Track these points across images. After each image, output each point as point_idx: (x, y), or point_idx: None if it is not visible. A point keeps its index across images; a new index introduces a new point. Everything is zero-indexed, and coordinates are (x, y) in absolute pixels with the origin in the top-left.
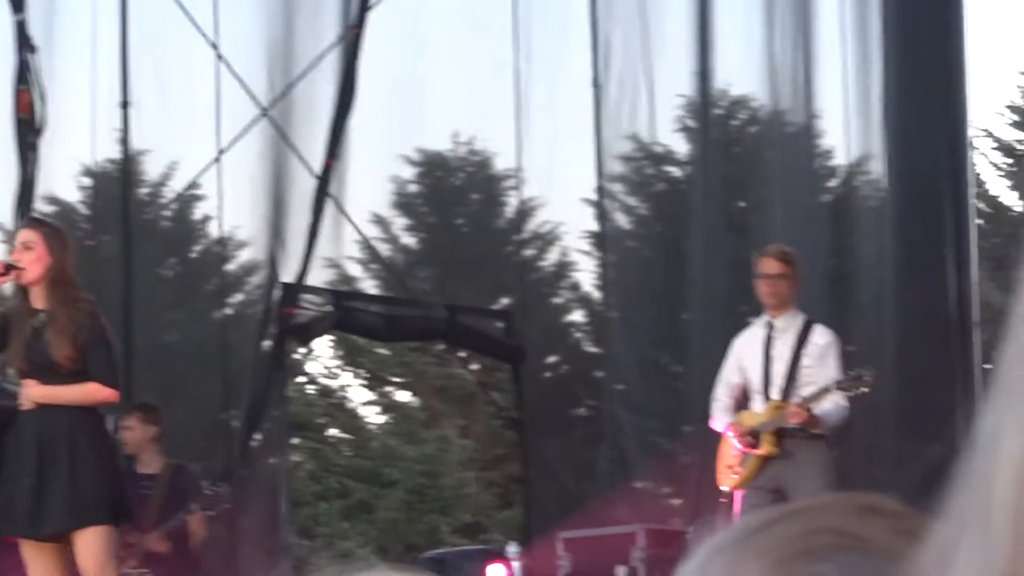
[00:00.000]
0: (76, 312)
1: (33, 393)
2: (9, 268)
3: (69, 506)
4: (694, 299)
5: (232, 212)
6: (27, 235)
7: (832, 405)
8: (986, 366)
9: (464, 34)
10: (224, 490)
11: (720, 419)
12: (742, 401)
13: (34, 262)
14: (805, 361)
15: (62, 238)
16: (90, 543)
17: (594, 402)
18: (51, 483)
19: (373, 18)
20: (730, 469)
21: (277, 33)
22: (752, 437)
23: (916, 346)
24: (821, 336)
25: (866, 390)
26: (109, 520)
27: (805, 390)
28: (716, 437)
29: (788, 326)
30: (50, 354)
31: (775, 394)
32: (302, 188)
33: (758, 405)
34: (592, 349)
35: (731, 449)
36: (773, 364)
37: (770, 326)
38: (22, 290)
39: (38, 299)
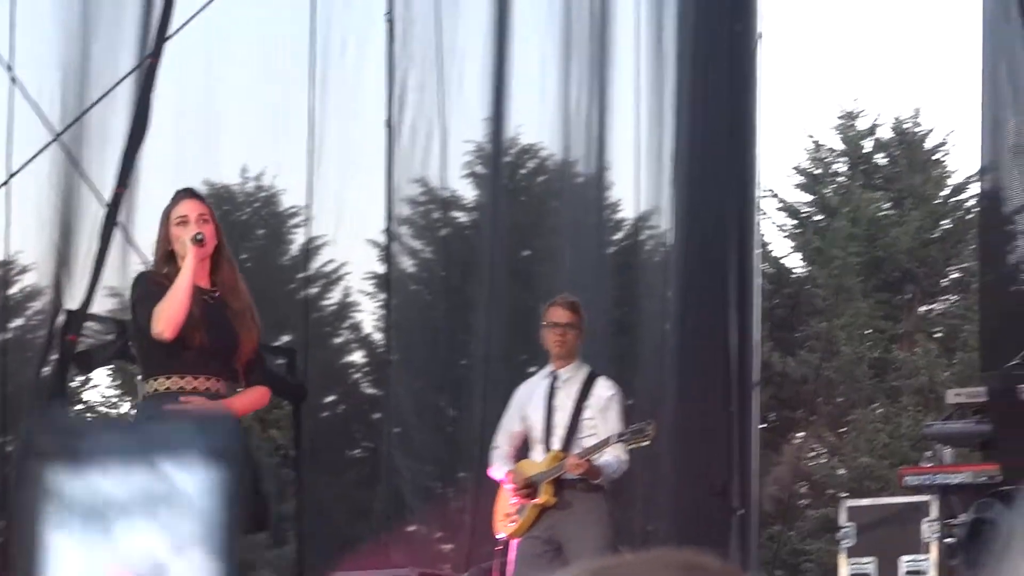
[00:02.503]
0: (242, 292)
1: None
2: (202, 239)
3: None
4: (475, 345)
5: (18, 236)
6: (200, 207)
7: (612, 457)
8: (763, 425)
9: (259, 68)
10: None
11: (499, 467)
12: (522, 450)
13: (211, 235)
14: (587, 413)
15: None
16: None
17: (371, 444)
18: None
19: (169, 48)
20: (507, 517)
21: (73, 58)
22: (530, 486)
23: (696, 401)
24: (604, 388)
25: (647, 443)
26: None
27: (586, 441)
28: (493, 484)
29: (572, 377)
30: (235, 341)
31: (556, 444)
32: (91, 215)
33: (538, 455)
34: (371, 390)
35: (509, 497)
36: (555, 414)
37: (554, 376)
38: (170, 258)
39: (201, 276)
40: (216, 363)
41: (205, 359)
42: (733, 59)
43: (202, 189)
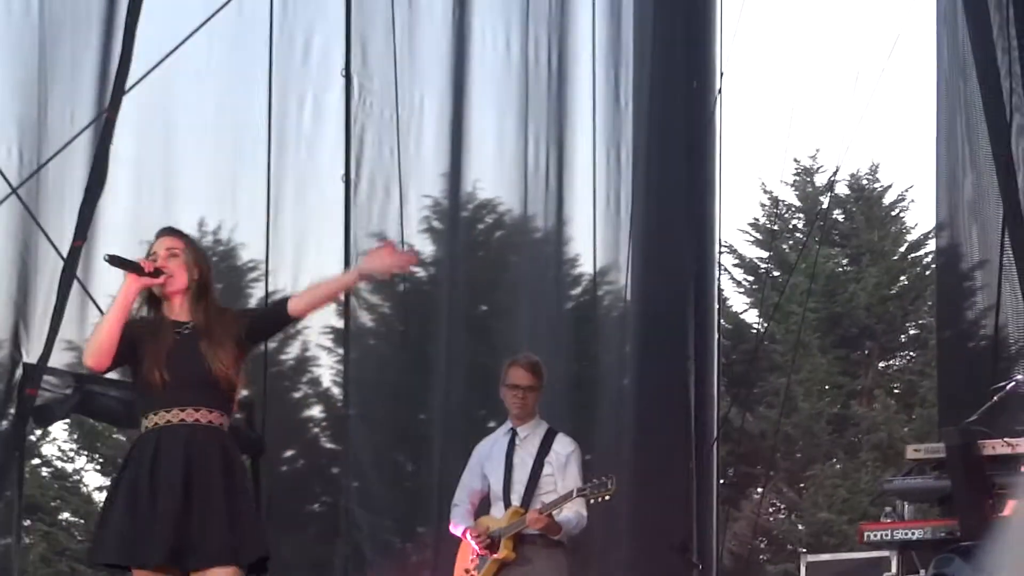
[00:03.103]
0: (227, 322)
1: None
2: (158, 272)
3: (224, 541)
4: (433, 400)
5: None
6: (171, 242)
7: (573, 513)
8: (722, 481)
9: (216, 122)
10: None
11: (459, 524)
12: (482, 507)
13: (179, 270)
14: (547, 469)
15: (204, 252)
16: None
17: (330, 498)
18: (204, 514)
19: (127, 102)
20: (467, 573)
21: (29, 111)
22: (491, 541)
23: (655, 457)
24: (563, 445)
25: (609, 498)
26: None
27: (546, 498)
28: (452, 539)
29: (531, 434)
30: (206, 369)
31: (515, 501)
32: (48, 268)
33: (498, 511)
34: (330, 445)
35: (469, 553)
36: (515, 471)
37: (513, 433)
38: (155, 301)
39: (178, 311)
40: (194, 395)
41: (179, 393)
42: (690, 115)
43: None
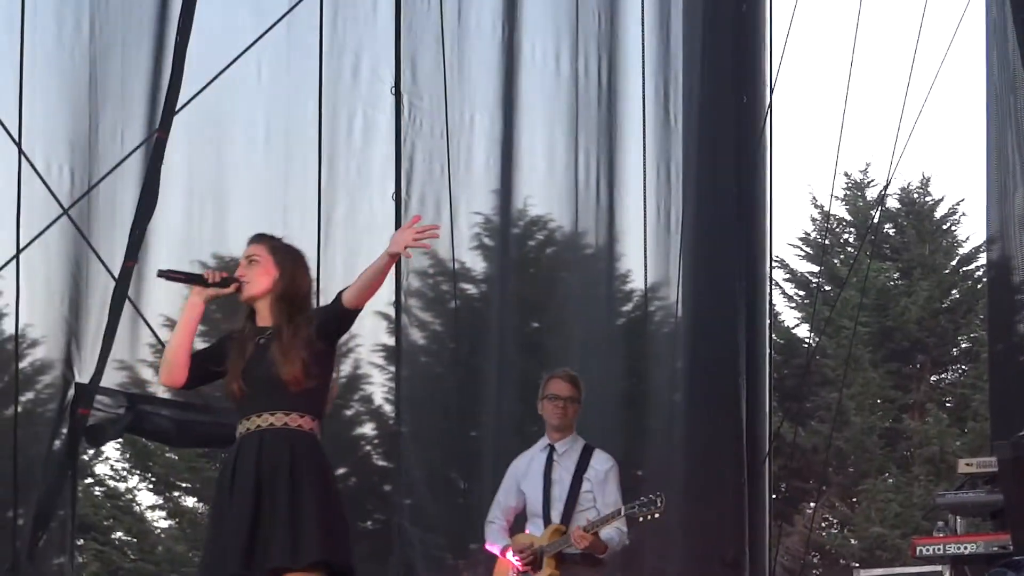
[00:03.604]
0: (301, 328)
1: None
2: (228, 281)
3: (288, 541)
4: (485, 417)
5: (27, 310)
6: (252, 249)
7: (614, 531)
8: (774, 496)
9: (267, 141)
10: None
11: (495, 542)
12: (516, 525)
13: (259, 276)
14: (585, 486)
15: (295, 255)
16: None
17: (383, 516)
18: (270, 519)
19: (178, 122)
20: None
21: (81, 132)
22: (534, 559)
23: (707, 472)
24: (602, 461)
25: (658, 516)
26: (326, 564)
27: (586, 514)
28: (494, 557)
29: (569, 450)
30: (275, 373)
31: (555, 518)
32: (100, 289)
33: (537, 528)
34: (382, 463)
35: (507, 570)
36: (553, 487)
37: (551, 448)
38: (249, 311)
39: (264, 317)
40: (266, 401)
41: (254, 401)
42: (740, 130)
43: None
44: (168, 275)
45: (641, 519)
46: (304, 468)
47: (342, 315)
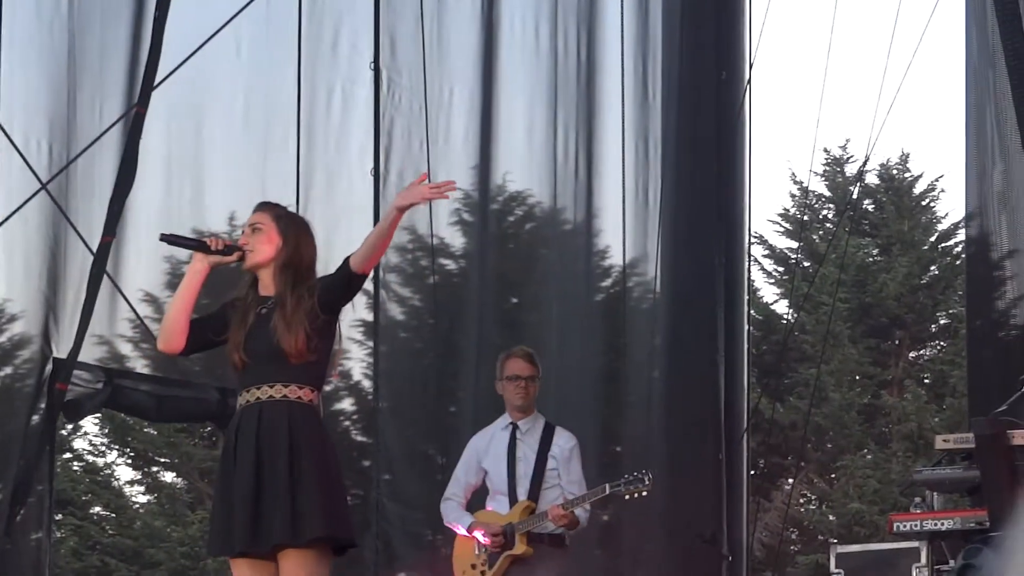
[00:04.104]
0: (304, 298)
1: None
2: (231, 249)
3: (288, 517)
4: (463, 393)
5: (5, 285)
6: (256, 217)
7: (581, 509)
8: (752, 472)
9: (246, 116)
10: None
11: (458, 519)
12: (473, 502)
13: (262, 244)
14: (550, 464)
15: (299, 223)
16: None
17: (361, 491)
18: (270, 494)
19: (156, 96)
20: (474, 569)
21: (60, 107)
22: (504, 536)
23: (684, 448)
24: (565, 439)
25: (646, 493)
26: (327, 539)
27: (555, 492)
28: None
29: (532, 428)
30: (276, 344)
31: (522, 495)
32: (78, 264)
33: (500, 506)
34: (360, 438)
35: (474, 548)
36: (518, 465)
37: (514, 427)
38: (252, 278)
39: (267, 286)
40: (266, 372)
41: (254, 372)
42: (719, 107)
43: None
44: (171, 239)
45: (627, 497)
46: (303, 441)
47: (351, 280)
